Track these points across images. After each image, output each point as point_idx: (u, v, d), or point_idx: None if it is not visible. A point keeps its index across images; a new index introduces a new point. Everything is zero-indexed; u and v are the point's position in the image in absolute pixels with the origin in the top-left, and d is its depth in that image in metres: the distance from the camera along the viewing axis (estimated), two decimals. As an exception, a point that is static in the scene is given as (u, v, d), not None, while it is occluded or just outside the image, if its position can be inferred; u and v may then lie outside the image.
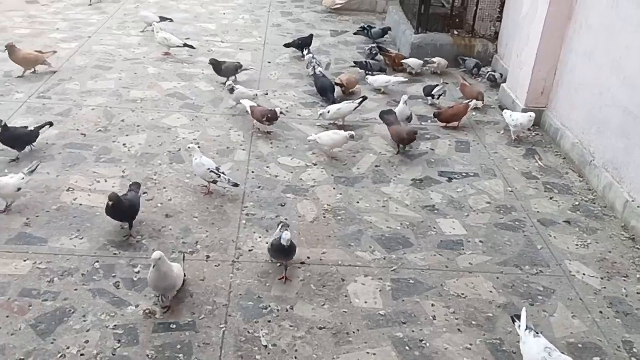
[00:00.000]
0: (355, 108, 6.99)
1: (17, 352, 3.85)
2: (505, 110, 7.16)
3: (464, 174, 6.29)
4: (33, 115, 6.71)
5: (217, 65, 7.71)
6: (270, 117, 6.57)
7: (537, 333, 3.89)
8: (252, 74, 8.22)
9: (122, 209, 4.87)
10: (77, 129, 6.52)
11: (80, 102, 7.11)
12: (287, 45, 9.13)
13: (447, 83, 8.28)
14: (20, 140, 5.89)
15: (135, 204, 5.00)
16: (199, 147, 5.69)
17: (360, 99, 7.11)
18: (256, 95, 7.22)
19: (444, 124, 7.20)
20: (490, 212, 5.69)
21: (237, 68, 7.79)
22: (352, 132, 6.38)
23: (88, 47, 8.83)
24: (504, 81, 8.10)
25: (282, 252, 4.57)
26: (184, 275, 4.45)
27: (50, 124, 6.19)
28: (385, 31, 9.88)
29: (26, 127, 6.06)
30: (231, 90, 7.11)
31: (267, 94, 7.62)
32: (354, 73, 8.28)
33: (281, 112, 6.77)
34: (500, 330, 4.33)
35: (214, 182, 5.50)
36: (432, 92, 7.73)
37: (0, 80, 7.54)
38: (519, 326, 3.95)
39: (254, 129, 6.79)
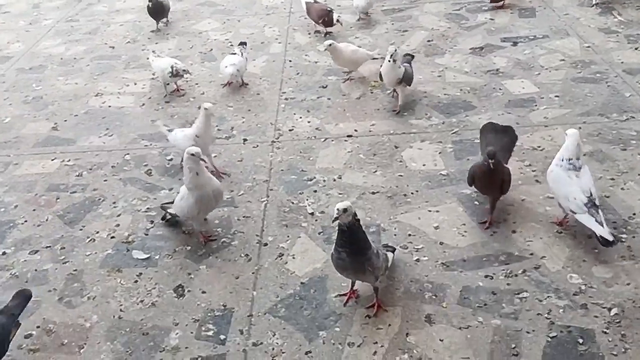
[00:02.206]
0: None
1: (44, 240, 3.54)
2: None
3: (531, 37, 5.49)
4: (61, 37, 6.42)
5: None
6: (327, 21, 5.84)
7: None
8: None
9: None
10: (106, 43, 6.17)
11: (108, 20, 6.76)
12: None
13: None
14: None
15: None
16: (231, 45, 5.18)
17: None
18: None
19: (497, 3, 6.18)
20: (565, 69, 4.92)
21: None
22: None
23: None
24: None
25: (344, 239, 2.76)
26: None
27: None
28: None
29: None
30: None
31: None
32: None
33: (338, 21, 5.90)
34: (587, 178, 3.65)
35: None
36: None
37: (30, 11, 7.32)
38: None
39: (312, 28, 6.13)
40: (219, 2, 7.03)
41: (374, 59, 5.06)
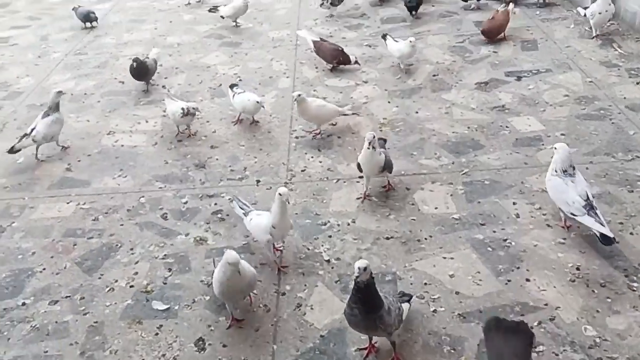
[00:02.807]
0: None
1: (63, 290, 3.59)
2: (578, 8, 6.35)
3: (534, 71, 5.59)
4: (70, 71, 6.49)
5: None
6: (342, 61, 5.70)
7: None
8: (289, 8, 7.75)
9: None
10: (115, 78, 6.24)
11: (116, 53, 6.84)
12: None
13: None
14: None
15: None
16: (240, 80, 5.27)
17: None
18: None
19: (489, 39, 6.21)
20: (570, 105, 5.01)
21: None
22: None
23: (122, 6, 8.55)
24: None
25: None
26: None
27: None
28: None
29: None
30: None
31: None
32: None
33: (356, 62, 5.83)
34: (597, 222, 3.73)
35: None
36: None
37: (38, 43, 7.39)
38: None
39: (324, 66, 6.13)
40: (226, 35, 7.12)
41: (344, 114, 4.96)
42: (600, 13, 5.96)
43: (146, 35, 7.18)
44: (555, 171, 3.61)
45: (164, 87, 5.93)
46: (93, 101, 5.81)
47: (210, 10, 7.46)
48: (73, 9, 7.70)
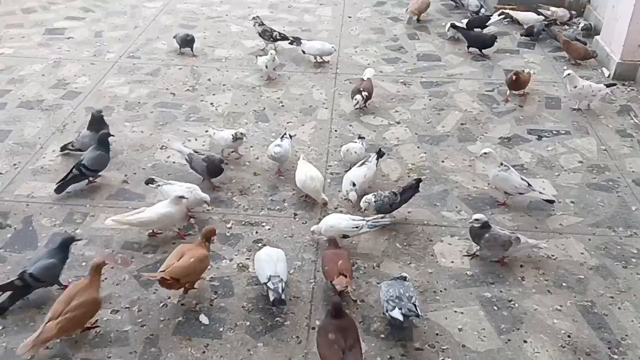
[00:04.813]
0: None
1: (123, 301, 4.13)
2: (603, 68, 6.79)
3: (554, 132, 6.07)
4: (125, 75, 6.99)
5: None
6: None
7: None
8: (332, 31, 8.20)
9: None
10: (167, 89, 6.73)
11: (167, 61, 7.32)
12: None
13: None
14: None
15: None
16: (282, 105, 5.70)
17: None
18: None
19: (516, 92, 6.60)
20: (582, 172, 5.49)
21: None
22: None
23: (172, 7, 9.01)
24: (597, 33, 7.66)
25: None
26: None
27: None
28: None
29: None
30: None
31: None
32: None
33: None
34: (591, 293, 4.24)
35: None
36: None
37: (92, 40, 7.86)
38: None
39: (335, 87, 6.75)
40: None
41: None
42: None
43: (196, 45, 7.62)
44: (498, 168, 4.98)
45: (211, 104, 6.43)
46: (146, 111, 6.31)
47: (291, 43, 7.43)
48: (174, 37, 7.56)
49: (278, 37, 7.44)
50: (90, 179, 5.20)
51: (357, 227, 4.53)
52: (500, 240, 4.38)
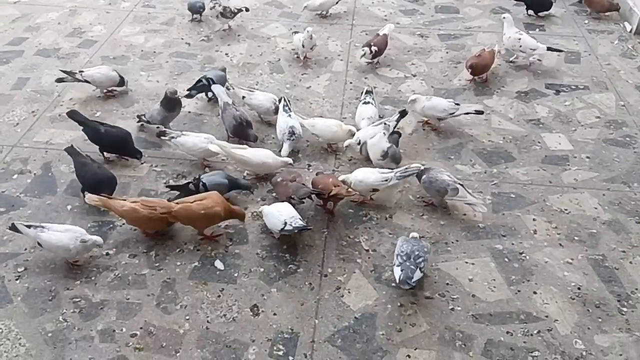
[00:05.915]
0: None
1: (140, 245, 4.23)
2: (625, 23, 6.62)
3: (573, 87, 5.99)
4: (140, 24, 6.96)
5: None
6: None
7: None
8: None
9: None
10: (182, 38, 6.71)
11: (182, 11, 7.24)
12: None
13: None
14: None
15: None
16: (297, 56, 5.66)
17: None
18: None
19: (474, 75, 5.99)
20: (599, 127, 5.44)
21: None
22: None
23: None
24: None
25: None
26: None
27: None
28: None
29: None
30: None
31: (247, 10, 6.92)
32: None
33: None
34: (603, 247, 4.27)
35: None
36: None
37: (108, -11, 7.82)
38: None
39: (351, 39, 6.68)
40: (286, 3, 7.49)
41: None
42: None
43: (211, -5, 7.53)
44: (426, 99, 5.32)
45: (226, 54, 6.40)
46: (162, 60, 6.31)
47: (246, 10, 6.91)
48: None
49: (235, 11, 6.77)
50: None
51: (386, 180, 4.54)
52: (436, 185, 4.44)
